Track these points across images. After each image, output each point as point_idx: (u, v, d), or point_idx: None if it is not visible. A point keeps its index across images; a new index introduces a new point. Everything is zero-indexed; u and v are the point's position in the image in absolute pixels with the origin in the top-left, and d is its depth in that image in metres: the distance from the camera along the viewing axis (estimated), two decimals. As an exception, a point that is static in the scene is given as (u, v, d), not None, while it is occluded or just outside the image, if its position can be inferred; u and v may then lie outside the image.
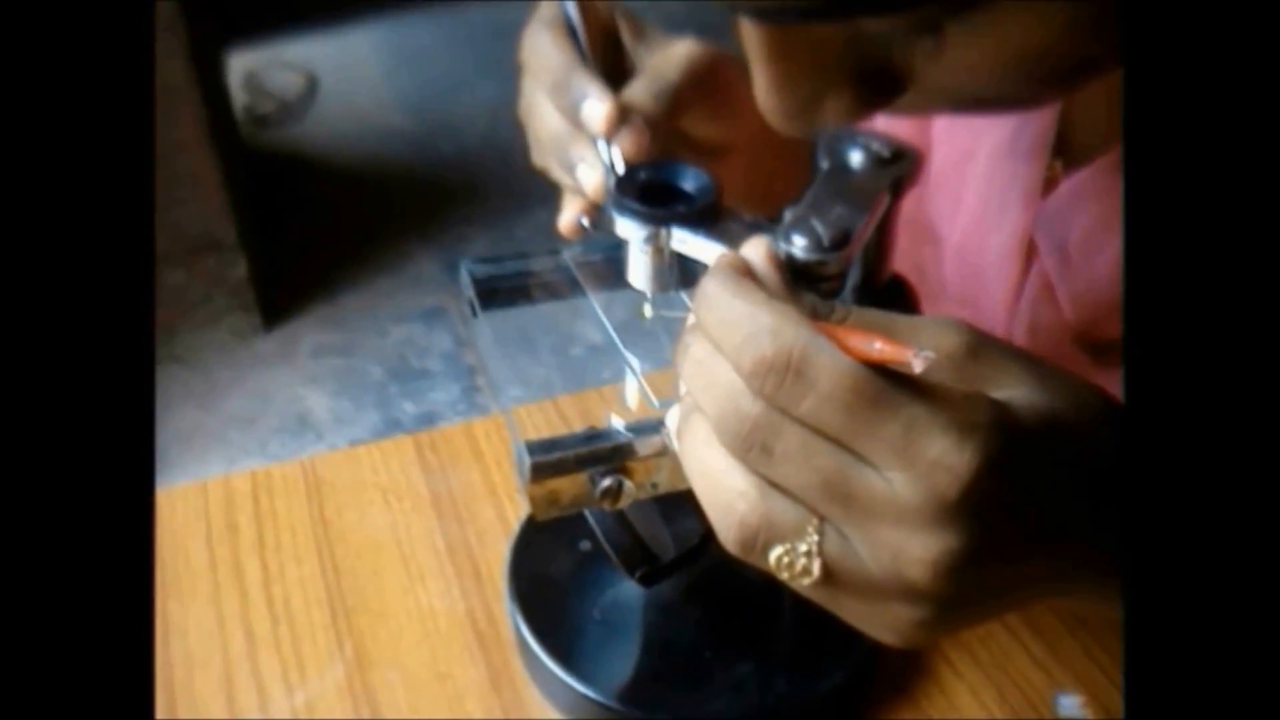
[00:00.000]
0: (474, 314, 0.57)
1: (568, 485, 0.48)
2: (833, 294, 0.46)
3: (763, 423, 0.39)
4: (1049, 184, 0.64)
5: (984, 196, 0.67)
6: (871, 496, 0.38)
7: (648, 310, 0.54)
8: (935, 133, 0.70)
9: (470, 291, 0.56)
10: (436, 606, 0.69)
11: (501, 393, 0.62)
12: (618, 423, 0.56)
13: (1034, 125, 0.64)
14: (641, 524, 0.60)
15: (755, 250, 0.44)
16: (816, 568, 0.40)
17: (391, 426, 2.08)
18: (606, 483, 0.47)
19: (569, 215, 0.58)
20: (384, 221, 2.57)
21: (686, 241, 0.49)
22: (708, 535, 0.60)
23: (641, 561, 0.58)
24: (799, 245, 0.45)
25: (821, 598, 0.42)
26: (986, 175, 0.67)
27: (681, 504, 0.53)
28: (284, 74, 3.03)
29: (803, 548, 0.40)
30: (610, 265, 0.58)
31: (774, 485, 0.40)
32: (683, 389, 0.44)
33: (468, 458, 0.79)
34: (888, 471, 0.38)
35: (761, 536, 0.40)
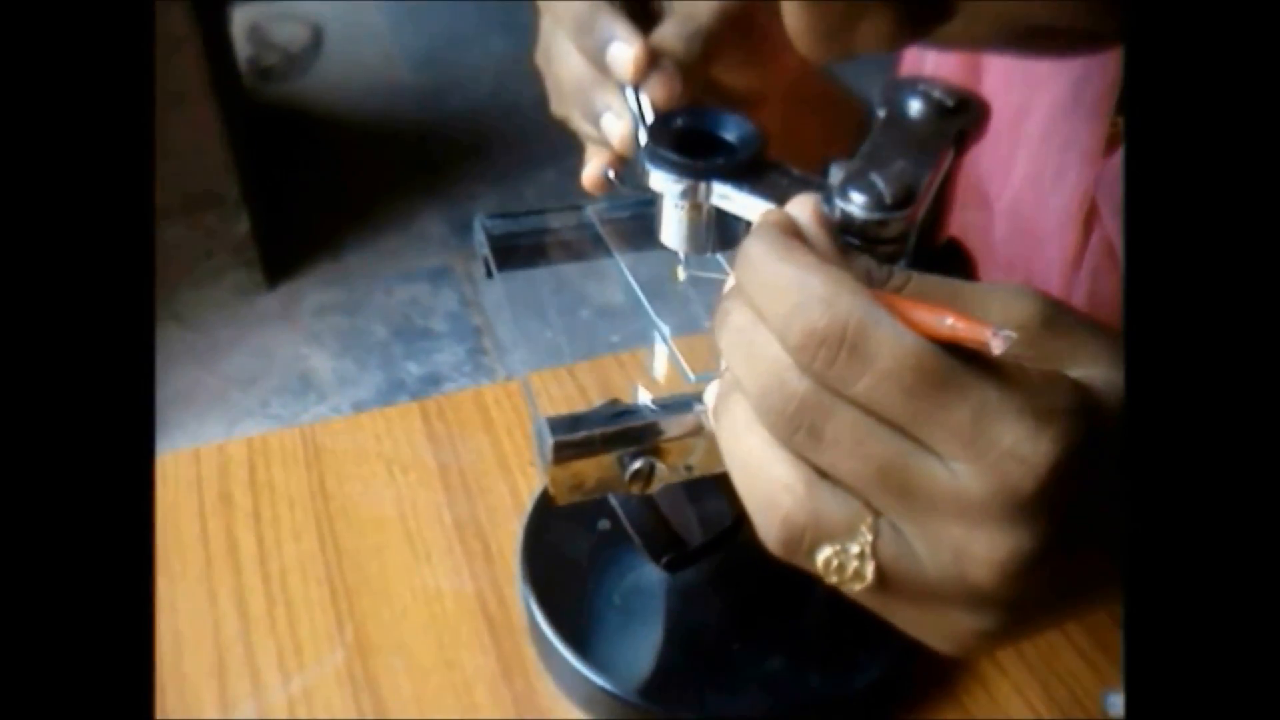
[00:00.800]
0: (489, 274, 0.52)
1: (593, 468, 0.43)
2: (892, 259, 0.41)
3: (811, 402, 0.34)
4: (1112, 141, 0.59)
5: (1040, 156, 0.62)
6: (933, 489, 0.34)
7: (680, 272, 0.50)
8: (986, 86, 0.65)
9: (485, 250, 0.51)
10: (443, 588, 0.65)
11: (515, 359, 0.57)
12: (645, 397, 0.51)
13: (1097, 77, 0.59)
14: (667, 505, 0.55)
15: (802, 208, 0.39)
16: (870, 571, 0.35)
17: (395, 388, 2.05)
18: (637, 465, 0.43)
19: (593, 168, 0.53)
20: (389, 178, 2.52)
21: (728, 197, 0.44)
22: (739, 518, 0.56)
23: (667, 547, 0.54)
24: (858, 203, 0.40)
25: (874, 604, 0.37)
26: (1043, 132, 0.62)
27: (710, 483, 0.49)
28: (288, 25, 2.98)
29: (855, 548, 0.35)
30: (638, 223, 0.53)
31: (823, 477, 0.35)
32: (722, 363, 0.39)
33: (477, 427, 0.74)
34: (953, 462, 0.33)
35: (809, 535, 0.35)
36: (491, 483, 0.71)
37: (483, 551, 0.67)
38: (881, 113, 0.46)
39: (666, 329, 0.48)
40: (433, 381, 2.07)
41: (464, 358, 2.11)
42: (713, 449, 0.44)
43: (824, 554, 0.35)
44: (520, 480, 0.71)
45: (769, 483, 0.36)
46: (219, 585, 0.65)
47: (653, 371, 0.52)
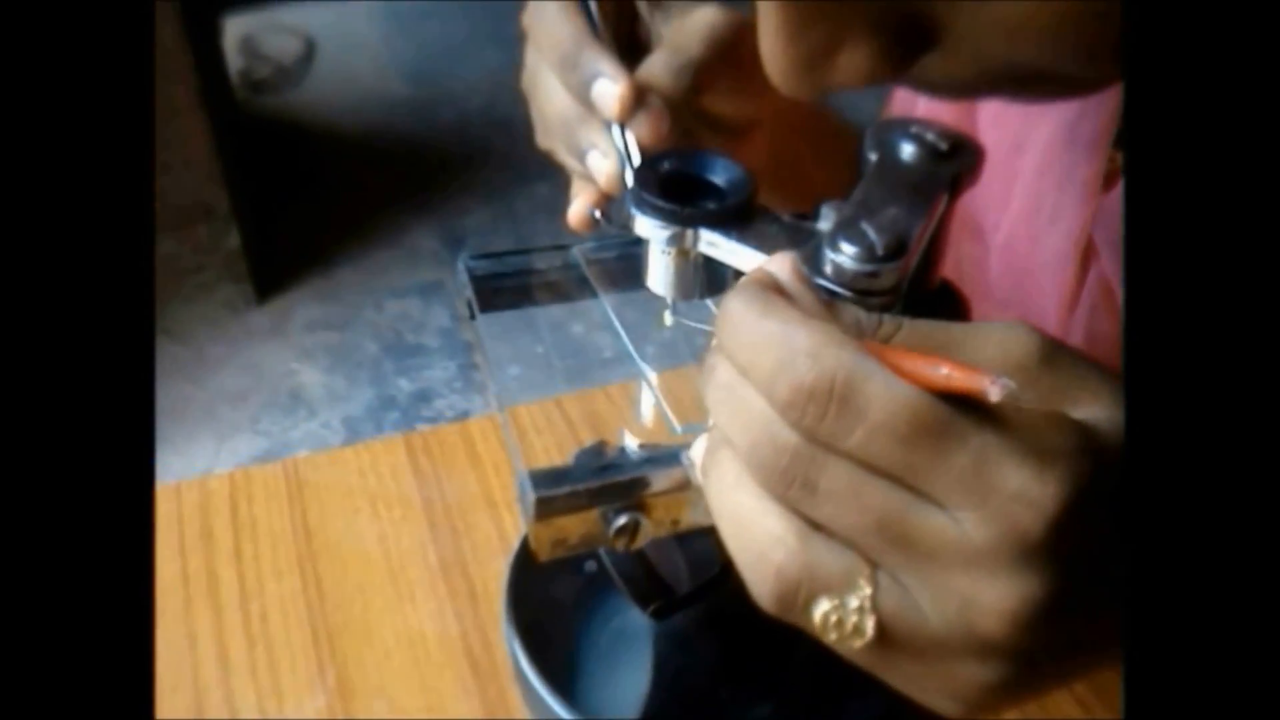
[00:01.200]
0: (471, 316, 0.50)
1: (577, 524, 0.41)
2: (884, 309, 0.40)
3: (803, 455, 0.33)
4: (1109, 177, 0.58)
5: (1036, 191, 0.61)
6: (936, 539, 0.32)
7: (668, 318, 0.48)
8: (982, 119, 0.64)
9: (469, 291, 0.50)
10: (427, 629, 0.64)
11: (502, 403, 0.56)
12: (631, 442, 0.50)
13: (1094, 112, 0.58)
14: (654, 551, 0.54)
15: (780, 266, 0.38)
16: (870, 626, 0.34)
17: (386, 404, 2.05)
18: (622, 521, 0.41)
19: (579, 207, 0.51)
20: (381, 192, 2.53)
21: (715, 244, 0.43)
22: (727, 564, 0.55)
23: (654, 594, 0.52)
24: (849, 254, 0.39)
25: (872, 662, 0.36)
26: (1039, 167, 0.61)
27: (698, 528, 0.47)
28: (281, 38, 2.98)
29: (854, 602, 0.34)
30: (625, 264, 0.52)
31: (817, 529, 0.34)
32: (709, 418, 0.38)
33: (463, 461, 0.73)
34: (956, 510, 0.32)
35: (804, 590, 0.34)
36: (477, 519, 0.70)
37: (467, 591, 0.66)
38: (873, 156, 0.45)
39: (653, 376, 0.47)
40: (424, 398, 2.07)
41: (455, 374, 2.11)
42: (700, 503, 0.42)
43: (821, 609, 0.34)
44: (507, 517, 0.70)
45: (760, 537, 0.34)
46: (198, 625, 0.64)
47: (639, 415, 0.51)
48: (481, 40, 2.95)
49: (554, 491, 0.40)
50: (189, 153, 2.00)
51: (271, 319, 2.23)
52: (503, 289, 0.51)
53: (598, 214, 0.51)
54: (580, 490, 0.41)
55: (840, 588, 0.34)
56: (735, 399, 0.35)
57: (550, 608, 0.61)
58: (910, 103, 0.66)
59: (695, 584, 0.53)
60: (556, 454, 0.71)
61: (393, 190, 2.53)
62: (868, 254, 0.39)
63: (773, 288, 0.36)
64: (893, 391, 0.32)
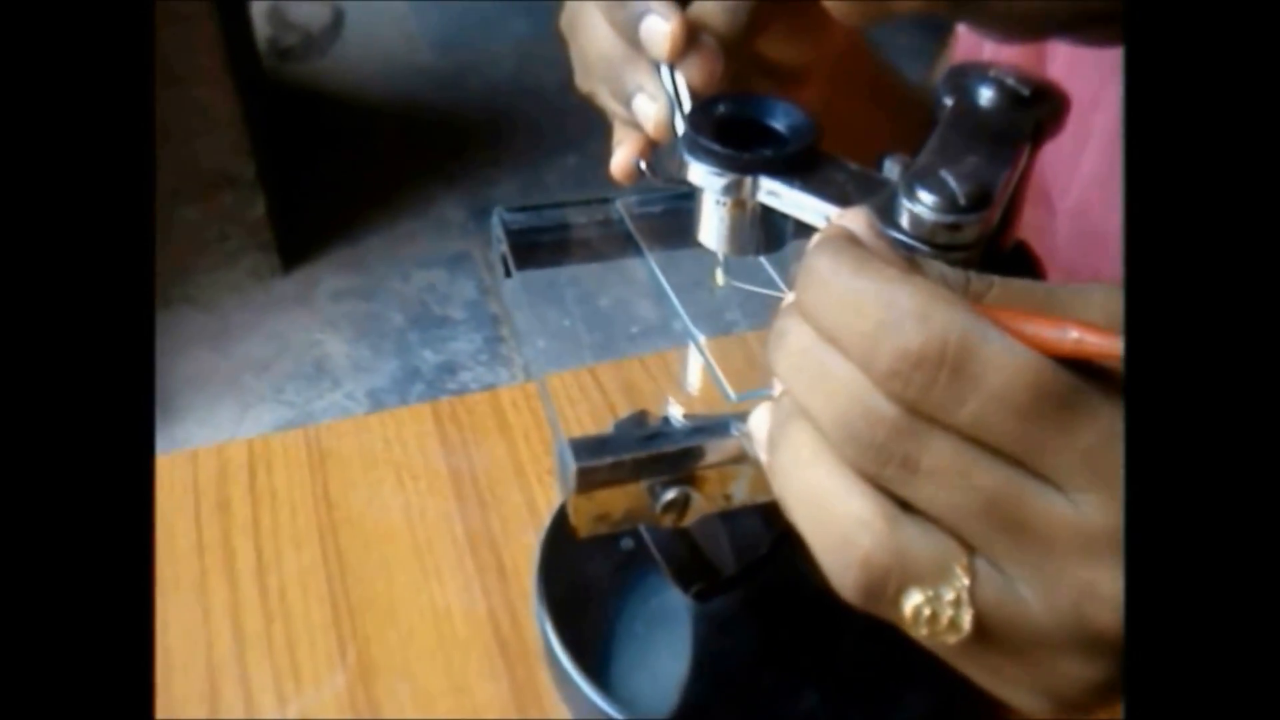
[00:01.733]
0: (507, 274, 0.47)
1: (622, 497, 0.38)
2: (964, 267, 0.36)
3: (903, 428, 0.30)
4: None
5: (1109, 154, 0.57)
6: (1052, 524, 0.29)
7: (720, 276, 0.45)
8: (1052, 72, 0.60)
9: (504, 245, 0.46)
10: (453, 606, 0.60)
11: (534, 362, 0.52)
12: (676, 411, 0.46)
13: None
14: (698, 528, 0.50)
15: (855, 221, 0.34)
16: (967, 620, 0.30)
17: (411, 375, 2.03)
18: (670, 495, 0.38)
19: (623, 155, 0.48)
20: (408, 161, 2.49)
21: (777, 194, 0.39)
22: (776, 542, 0.51)
23: (697, 575, 0.49)
24: (927, 204, 0.35)
25: (966, 659, 0.32)
26: (1114, 129, 0.57)
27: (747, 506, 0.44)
28: (308, 6, 2.96)
29: (949, 594, 0.30)
30: (672, 219, 0.49)
31: (907, 511, 0.31)
32: (774, 384, 0.35)
33: (492, 431, 0.70)
34: (1076, 493, 0.29)
35: (894, 580, 0.30)
36: (506, 491, 0.66)
37: (496, 567, 0.62)
38: (948, 101, 0.41)
39: (702, 338, 0.43)
40: (449, 370, 2.05)
41: (481, 346, 2.08)
42: (758, 478, 0.39)
43: (913, 601, 0.31)
44: (538, 489, 0.66)
45: (843, 519, 0.31)
46: (213, 600, 0.61)
47: (685, 384, 0.47)
48: (510, 9, 2.92)
49: (597, 462, 0.37)
50: (214, 120, 1.99)
51: (297, 288, 2.20)
52: (540, 245, 0.47)
53: (643, 164, 0.47)
54: (626, 461, 0.37)
55: (934, 577, 0.30)
56: (817, 365, 0.31)
57: (584, 586, 0.58)
58: (975, 54, 0.62)
59: (741, 564, 0.50)
60: (592, 426, 0.67)
61: (420, 160, 2.49)
62: (948, 204, 0.35)
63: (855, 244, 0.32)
64: (1014, 357, 0.28)
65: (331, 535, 0.64)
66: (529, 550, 0.61)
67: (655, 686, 0.54)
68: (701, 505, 0.38)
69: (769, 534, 0.50)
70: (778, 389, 0.34)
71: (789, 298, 0.34)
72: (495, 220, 0.47)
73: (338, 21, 2.97)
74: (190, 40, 1.87)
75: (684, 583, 0.49)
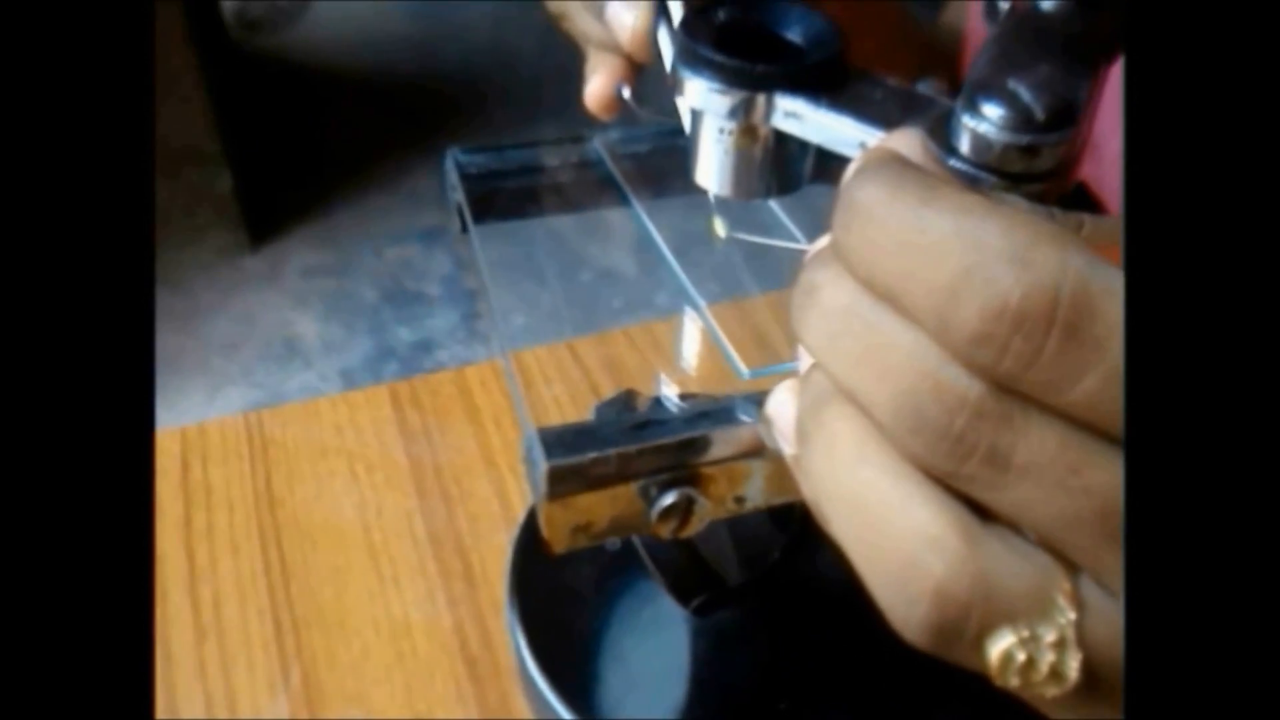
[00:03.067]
0: (463, 228, 0.39)
1: (606, 503, 0.30)
2: (1041, 201, 0.28)
3: (990, 412, 0.22)
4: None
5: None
6: None
7: (719, 226, 0.37)
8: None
9: (458, 193, 0.38)
10: (413, 619, 0.52)
11: (502, 342, 0.44)
12: (670, 391, 0.38)
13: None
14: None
15: (909, 143, 0.26)
16: (1074, 666, 0.23)
17: (385, 354, 1.98)
18: (669, 500, 0.30)
19: (600, 82, 0.40)
20: (381, 134, 2.44)
21: (798, 115, 0.31)
22: (789, 546, 0.43)
23: (699, 587, 0.41)
24: (995, 120, 0.27)
25: (1070, 714, 0.24)
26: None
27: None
28: (276, -26, 2.89)
29: (1050, 633, 0.22)
30: (659, 159, 0.40)
31: (989, 522, 0.23)
32: (799, 358, 0.27)
33: (459, 415, 0.62)
34: None
35: (976, 617, 0.23)
36: (474, 485, 0.58)
37: (463, 573, 0.54)
38: (1004, 4, 0.33)
39: (703, 303, 0.35)
40: (424, 349, 2.00)
41: (458, 323, 2.03)
42: (777, 475, 0.31)
43: (1001, 644, 0.23)
44: (510, 481, 0.58)
45: (906, 537, 0.23)
46: (137, 614, 0.53)
47: (680, 358, 0.39)
48: (485, -25, 2.86)
49: (575, 459, 0.29)
50: (177, 94, 1.95)
51: (266, 265, 2.16)
52: (502, 192, 0.39)
53: (625, 92, 0.39)
54: (611, 456, 0.29)
55: (1030, 612, 0.22)
56: (866, 330, 0.23)
57: (563, 594, 0.50)
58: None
59: (748, 573, 0.42)
60: (571, 410, 0.59)
61: (393, 132, 2.44)
62: (1022, 120, 0.27)
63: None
64: None
65: (274, 537, 0.56)
66: (500, 553, 0.53)
67: (646, 710, 0.46)
68: (707, 511, 0.30)
69: (781, 536, 0.42)
70: (804, 362, 0.26)
71: (817, 245, 0.26)
72: (448, 163, 0.39)
73: (307, -9, 2.92)
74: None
75: (682, 596, 0.41)
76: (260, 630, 0.52)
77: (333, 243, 2.19)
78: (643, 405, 0.42)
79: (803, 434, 0.25)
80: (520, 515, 0.54)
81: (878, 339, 0.23)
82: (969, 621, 0.22)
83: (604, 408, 0.42)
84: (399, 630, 0.52)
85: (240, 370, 1.96)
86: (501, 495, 0.57)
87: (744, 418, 0.30)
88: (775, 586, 0.43)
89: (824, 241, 0.27)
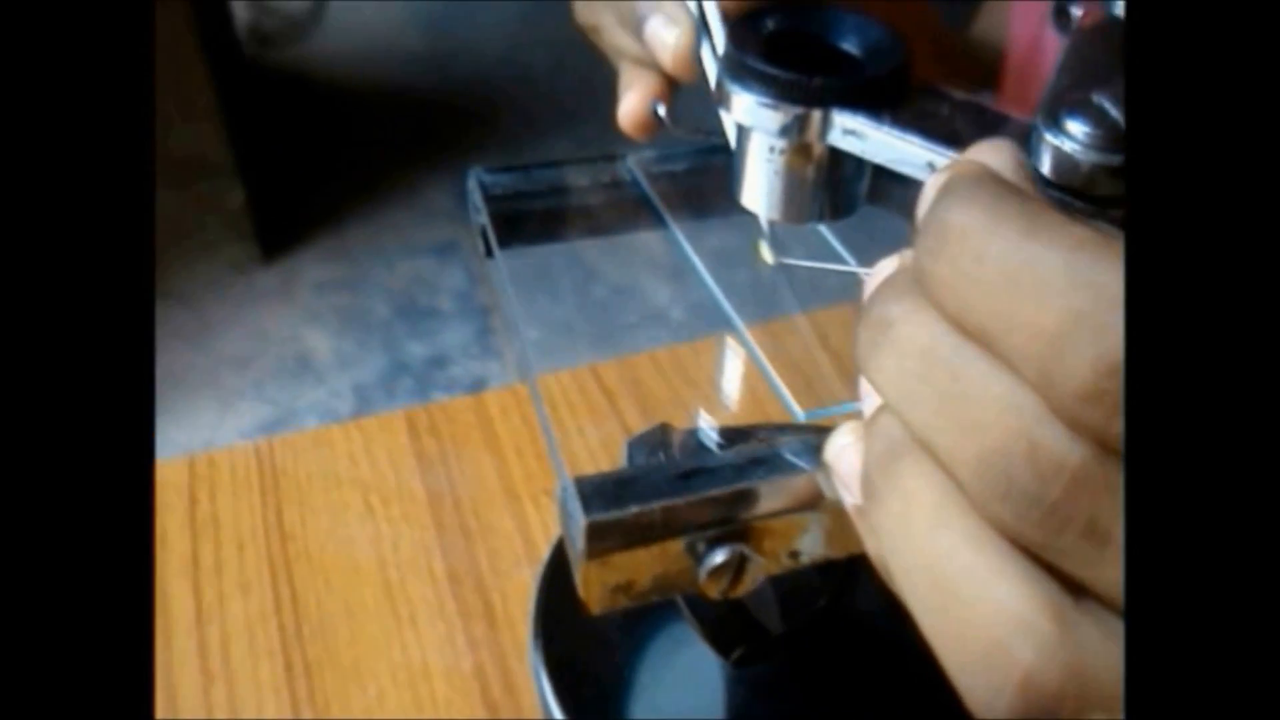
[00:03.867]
0: (488, 252, 0.36)
1: (650, 561, 0.27)
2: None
3: (1092, 480, 0.19)
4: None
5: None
6: None
7: (766, 251, 0.34)
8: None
9: (483, 216, 0.35)
10: (432, 662, 0.49)
11: (527, 367, 0.41)
12: (708, 425, 0.36)
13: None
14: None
15: (1000, 156, 0.24)
16: None
17: (398, 370, 1.96)
18: (720, 558, 0.27)
19: (635, 100, 0.37)
20: (394, 148, 2.42)
21: (860, 134, 0.29)
22: (837, 593, 0.40)
23: (739, 637, 0.38)
24: (1081, 137, 0.25)
25: None
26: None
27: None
28: (289, -10, 2.89)
29: None
30: (696, 179, 0.38)
31: (1084, 598, 0.20)
32: (866, 399, 0.24)
33: (477, 443, 0.59)
34: None
35: (1068, 708, 0.20)
36: (495, 518, 0.55)
37: (484, 612, 0.51)
38: (1077, 10, 0.31)
39: (748, 334, 0.33)
40: (438, 364, 1.98)
41: (471, 339, 2.00)
42: (837, 527, 0.28)
43: None
44: (533, 514, 0.55)
45: (991, 615, 0.20)
46: (141, 656, 0.50)
47: (720, 388, 0.36)
48: (498, -9, 2.86)
49: (616, 514, 0.26)
50: (189, 107, 1.93)
51: (278, 280, 2.13)
52: (530, 215, 0.36)
53: (661, 110, 0.37)
54: (655, 510, 0.26)
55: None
56: (951, 374, 0.20)
57: (590, 637, 0.47)
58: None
59: (792, 622, 0.39)
60: (595, 438, 0.56)
61: (406, 146, 2.42)
62: (1110, 138, 0.25)
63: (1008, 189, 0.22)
64: None
65: (285, 574, 0.53)
66: (523, 591, 0.51)
67: (682, 766, 0.43)
68: (760, 568, 0.28)
69: (826, 581, 0.40)
70: (869, 401, 0.24)
71: (880, 271, 0.24)
72: (472, 184, 0.36)
73: (320, 5, 2.92)
74: (165, 26, 1.79)
75: (722, 647, 0.38)
76: (271, 674, 0.49)
77: (345, 257, 2.17)
78: (678, 440, 0.40)
79: (871, 487, 0.23)
80: (544, 551, 0.51)
81: (965, 386, 0.20)
82: (1060, 712, 0.20)
83: (635, 443, 0.40)
84: (416, 674, 0.49)
85: (252, 386, 1.93)
86: (523, 529, 0.55)
87: (801, 464, 0.27)
88: (820, 635, 0.40)
89: (889, 267, 0.24)
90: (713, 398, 0.38)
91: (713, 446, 0.37)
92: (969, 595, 0.21)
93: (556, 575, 0.50)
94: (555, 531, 0.53)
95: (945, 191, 0.21)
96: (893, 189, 0.34)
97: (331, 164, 2.39)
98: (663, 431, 0.40)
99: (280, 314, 2.05)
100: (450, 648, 0.50)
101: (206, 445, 1.79)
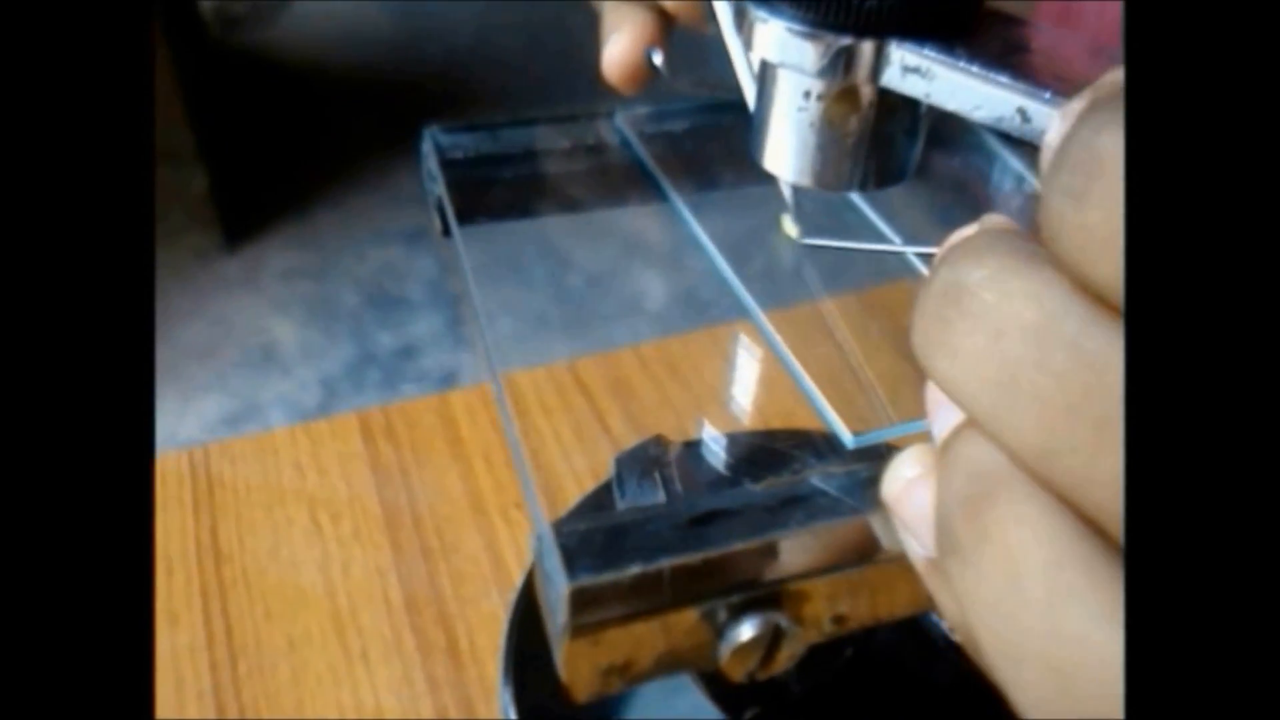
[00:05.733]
0: (445, 231, 0.29)
1: (653, 635, 0.20)
2: None
3: None
4: None
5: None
6: None
7: (791, 227, 0.27)
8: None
9: (439, 184, 0.29)
10: (386, 706, 0.43)
11: (494, 368, 0.35)
12: (713, 437, 0.29)
13: None
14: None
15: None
16: None
17: (366, 361, 1.95)
18: (749, 632, 0.20)
19: (625, 44, 0.30)
20: (362, 133, 2.40)
21: (924, 72, 0.22)
22: (861, 646, 0.34)
23: (750, 696, 0.32)
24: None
25: None
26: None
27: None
28: (256, -27, 2.88)
29: None
30: (700, 142, 0.31)
31: None
32: (937, 412, 0.18)
33: (440, 450, 0.52)
34: None
35: None
36: (460, 536, 0.49)
37: (446, 647, 0.45)
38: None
39: (772, 329, 0.26)
40: (408, 355, 1.95)
41: (442, 329, 1.97)
42: (904, 588, 0.21)
43: None
44: (503, 532, 0.49)
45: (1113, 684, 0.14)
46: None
47: (731, 395, 0.30)
48: (469, -27, 2.85)
49: (609, 577, 0.19)
50: None
51: (242, 268, 2.10)
52: (495, 183, 0.30)
53: (656, 57, 0.30)
54: (661, 571, 0.19)
55: None
56: (1086, 362, 0.14)
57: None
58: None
59: (813, 679, 0.32)
60: (575, 448, 0.50)
61: (375, 131, 2.40)
62: None
63: None
64: None
65: (219, 603, 0.46)
66: (492, 622, 0.44)
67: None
68: (799, 639, 0.21)
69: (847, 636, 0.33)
70: (941, 417, 0.17)
71: (955, 238, 0.17)
72: (426, 146, 0.30)
73: (288, -11, 2.91)
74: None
75: (732, 708, 0.32)
76: (200, 716, 0.43)
77: (312, 245, 2.14)
78: (674, 454, 0.33)
79: (951, 538, 0.16)
80: (517, 576, 0.45)
81: (1108, 379, 0.14)
82: None
83: (625, 460, 0.33)
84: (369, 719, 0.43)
85: (215, 378, 1.89)
86: (492, 550, 0.48)
87: (850, 503, 0.21)
88: (844, 688, 0.34)
89: (967, 231, 0.18)
90: (709, 400, 0.31)
91: (718, 464, 0.30)
92: (1105, 688, 0.14)
93: (530, 604, 0.43)
94: (529, 554, 0.46)
95: (1092, 112, 0.15)
96: (933, 155, 0.28)
97: (298, 149, 2.36)
98: (656, 445, 0.34)
99: (244, 303, 2.02)
100: (407, 688, 0.43)
101: (167, 440, 1.74)
